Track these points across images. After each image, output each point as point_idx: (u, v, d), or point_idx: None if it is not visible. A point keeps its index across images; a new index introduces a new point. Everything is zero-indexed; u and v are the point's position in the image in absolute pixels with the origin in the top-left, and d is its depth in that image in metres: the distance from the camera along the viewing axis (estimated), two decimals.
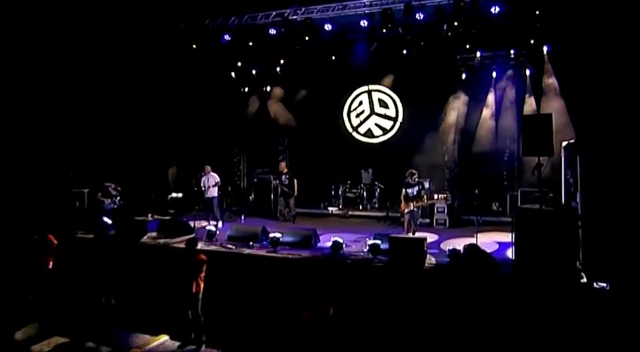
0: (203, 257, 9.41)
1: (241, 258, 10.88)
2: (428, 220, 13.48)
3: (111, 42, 14.47)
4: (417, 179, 11.72)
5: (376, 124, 16.11)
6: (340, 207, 15.25)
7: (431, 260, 9.92)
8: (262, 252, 10.88)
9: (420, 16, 13.16)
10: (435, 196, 13.38)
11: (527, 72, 14.61)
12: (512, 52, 14.41)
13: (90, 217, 12.68)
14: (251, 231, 11.74)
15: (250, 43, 14.85)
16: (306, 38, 14.46)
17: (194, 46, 15.03)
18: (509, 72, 14.73)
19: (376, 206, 15.22)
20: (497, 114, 14.71)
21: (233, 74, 16.32)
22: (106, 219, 12.58)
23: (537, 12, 12.10)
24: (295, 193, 14.25)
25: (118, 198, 13.27)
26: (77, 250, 11.69)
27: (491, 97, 14.90)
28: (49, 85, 13.56)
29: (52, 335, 9.46)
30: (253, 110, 16.86)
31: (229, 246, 11.25)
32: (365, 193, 15.19)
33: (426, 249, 9.95)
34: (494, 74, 14.92)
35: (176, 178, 15.46)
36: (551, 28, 12.75)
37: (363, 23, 13.71)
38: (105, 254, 11.27)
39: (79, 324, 9.77)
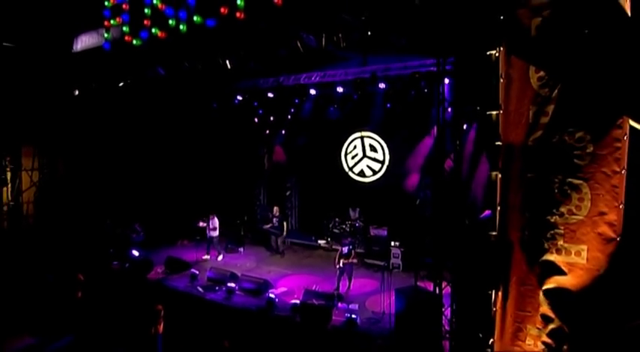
0: (160, 307, 10.29)
1: (203, 301, 11.69)
2: (384, 263, 13.10)
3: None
4: (349, 240, 11.61)
5: (368, 166, 15.92)
6: (328, 240, 15.33)
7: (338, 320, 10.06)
8: (218, 300, 11.53)
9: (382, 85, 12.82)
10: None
11: None
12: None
13: (121, 250, 14.24)
14: (222, 275, 12.43)
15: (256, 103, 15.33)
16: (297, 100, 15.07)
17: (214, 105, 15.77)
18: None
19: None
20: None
21: (256, 119, 16.84)
22: (134, 251, 14.03)
23: None
24: (284, 233, 14.67)
25: (142, 233, 14.73)
26: (108, 279, 13.35)
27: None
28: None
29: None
30: (270, 151, 17.33)
31: (199, 288, 12.06)
32: (348, 229, 15.06)
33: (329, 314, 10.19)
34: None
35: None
36: None
37: (339, 89, 13.68)
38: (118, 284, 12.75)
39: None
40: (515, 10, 5.27)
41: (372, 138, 15.89)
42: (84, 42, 13.08)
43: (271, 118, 16.88)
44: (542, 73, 5.17)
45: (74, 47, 13.27)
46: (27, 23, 13.63)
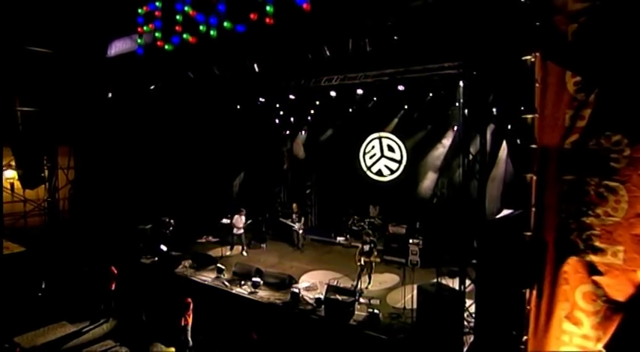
0: (189, 300, 10.28)
1: (229, 295, 11.66)
2: (403, 260, 12.95)
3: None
4: (370, 238, 11.44)
5: (385, 166, 15.79)
6: (347, 237, 15.22)
7: (360, 314, 10.05)
8: (244, 293, 11.50)
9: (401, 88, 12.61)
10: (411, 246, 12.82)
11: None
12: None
13: (151, 245, 14.24)
14: (247, 270, 12.37)
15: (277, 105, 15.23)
16: (317, 102, 14.84)
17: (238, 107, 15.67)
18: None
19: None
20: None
21: (277, 120, 16.77)
22: (162, 246, 14.01)
23: None
24: (295, 226, 14.84)
25: (172, 227, 14.72)
26: (139, 272, 13.37)
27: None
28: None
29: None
30: (290, 151, 17.28)
31: (225, 283, 12.02)
32: (367, 227, 14.94)
33: (352, 309, 10.02)
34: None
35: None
36: None
37: (359, 91, 13.43)
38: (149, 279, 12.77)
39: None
40: (551, 17, 5.15)
41: (389, 139, 15.77)
42: (118, 47, 13.16)
43: (292, 119, 16.85)
44: (578, 78, 5.05)
45: (108, 52, 13.36)
46: (65, 31, 13.75)
